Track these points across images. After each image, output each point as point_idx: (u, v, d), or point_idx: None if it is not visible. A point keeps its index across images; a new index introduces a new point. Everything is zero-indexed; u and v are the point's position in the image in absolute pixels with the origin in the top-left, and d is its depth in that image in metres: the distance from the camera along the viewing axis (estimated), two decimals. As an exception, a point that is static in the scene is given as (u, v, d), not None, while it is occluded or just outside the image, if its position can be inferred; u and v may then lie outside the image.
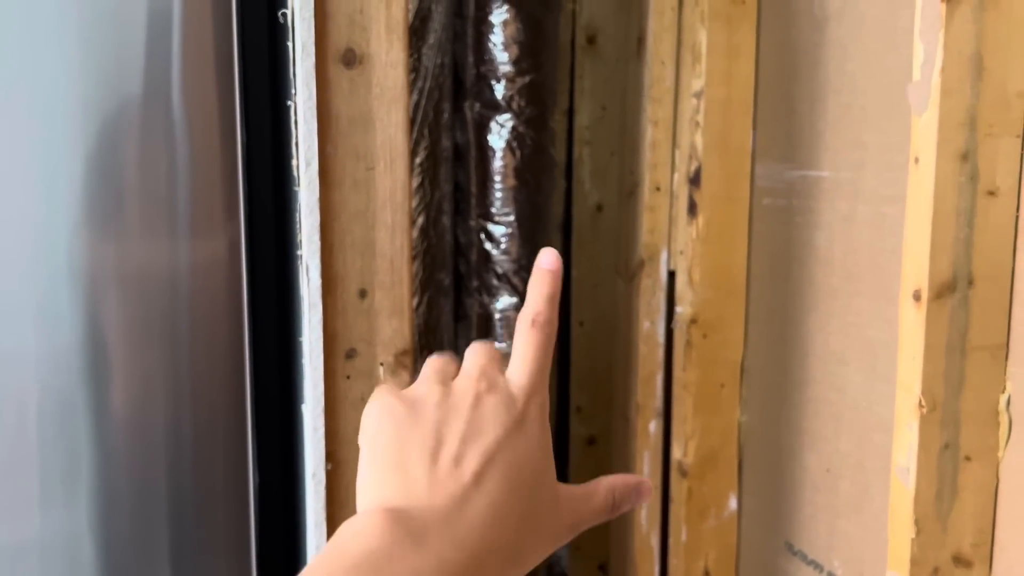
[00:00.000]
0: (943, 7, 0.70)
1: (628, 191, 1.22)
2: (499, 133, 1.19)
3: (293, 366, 0.92)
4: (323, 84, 0.83)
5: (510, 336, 0.68)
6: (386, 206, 0.87)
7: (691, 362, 1.13)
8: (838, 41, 0.96)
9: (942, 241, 0.73)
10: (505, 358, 0.45)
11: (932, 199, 0.72)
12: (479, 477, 0.40)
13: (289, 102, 0.83)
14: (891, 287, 0.88)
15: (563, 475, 0.49)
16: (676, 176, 1.15)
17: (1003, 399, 0.75)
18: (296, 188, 0.84)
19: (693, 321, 1.13)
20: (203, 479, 0.91)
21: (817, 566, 1.02)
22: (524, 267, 1.20)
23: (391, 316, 0.88)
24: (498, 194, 1.21)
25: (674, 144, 1.16)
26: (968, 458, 0.76)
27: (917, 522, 0.75)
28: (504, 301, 1.22)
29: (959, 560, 0.77)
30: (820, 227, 1.00)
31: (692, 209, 1.11)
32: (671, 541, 1.19)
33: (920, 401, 0.74)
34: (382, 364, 0.88)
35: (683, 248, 1.13)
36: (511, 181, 1.20)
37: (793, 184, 1.04)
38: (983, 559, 0.78)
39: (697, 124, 1.09)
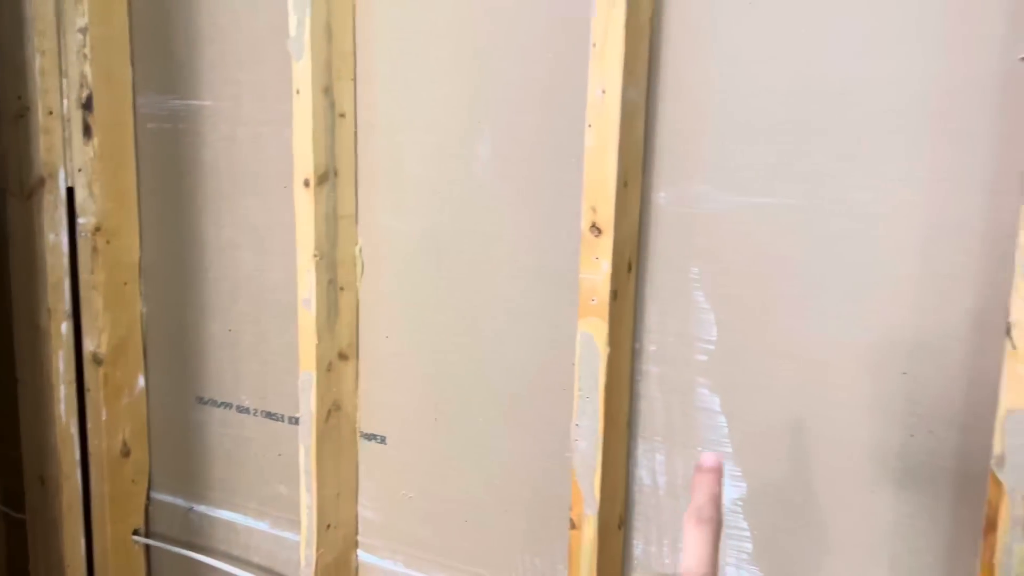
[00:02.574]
0: (310, -10, 1.06)
1: (16, 115, 1.29)
2: None
3: None
4: None
5: None
6: None
7: (98, 266, 1.31)
8: (210, 0, 1.25)
9: (318, 147, 1.11)
10: None
11: (311, 119, 1.09)
12: None
13: None
14: (270, 185, 1.24)
15: None
16: (67, 102, 1.29)
17: (356, 249, 1.18)
18: None
19: (97, 230, 1.30)
20: None
21: (226, 405, 1.34)
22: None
23: None
24: None
25: (61, 73, 1.28)
26: (342, 288, 1.17)
27: (318, 333, 1.14)
28: None
29: (342, 355, 1.19)
30: (207, 145, 1.29)
31: (87, 131, 1.27)
32: (90, 425, 1.35)
33: (314, 252, 1.12)
34: None
35: (81, 166, 1.29)
36: None
37: (177, 111, 1.30)
38: (354, 354, 1.21)
39: (85, 56, 1.25)
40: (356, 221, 1.18)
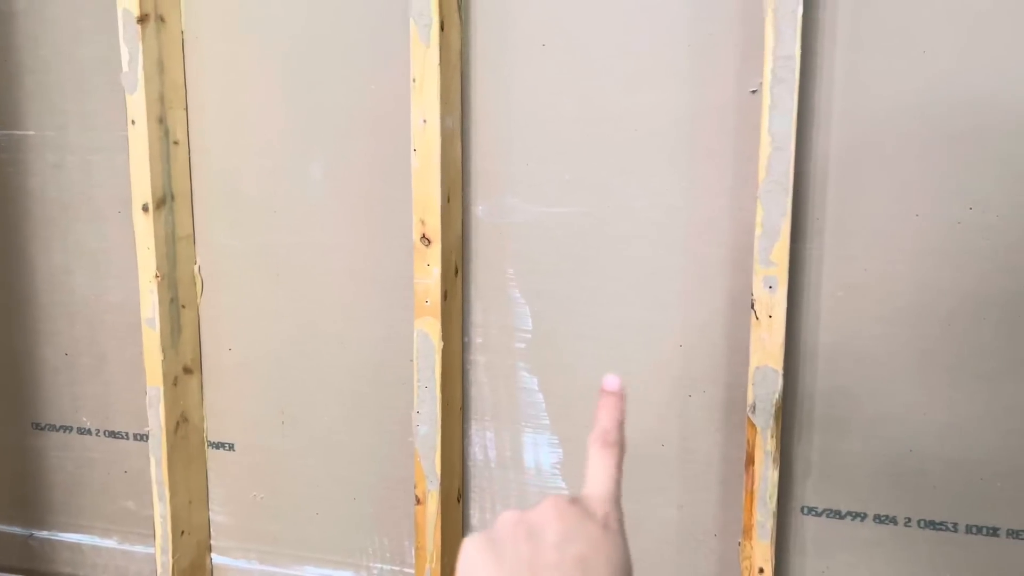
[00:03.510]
0: (139, 27, 1.13)
1: None
2: None
3: None
4: None
5: None
6: None
7: (-83, 298, 1.29)
8: (30, 33, 1.27)
9: (155, 173, 1.17)
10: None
11: (147, 147, 1.15)
12: None
13: None
14: (104, 211, 1.28)
15: None
16: None
17: (195, 268, 1.25)
18: None
19: (-86, 262, 1.28)
20: None
21: (66, 428, 1.36)
22: None
23: None
24: None
25: None
26: (184, 306, 1.24)
27: (163, 350, 1.20)
28: None
29: (187, 369, 1.25)
30: (32, 174, 1.30)
31: (-101, 163, 1.25)
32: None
33: (156, 273, 1.18)
34: None
35: None
36: None
37: (-3, 141, 1.31)
38: (198, 368, 1.28)
39: None
40: (194, 241, 1.25)
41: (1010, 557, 1.01)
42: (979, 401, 1.00)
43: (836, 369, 1.03)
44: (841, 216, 1.01)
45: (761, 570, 1.02)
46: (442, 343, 1.09)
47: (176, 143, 1.21)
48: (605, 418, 0.49)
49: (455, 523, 1.18)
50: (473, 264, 1.14)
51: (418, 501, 1.13)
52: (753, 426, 1.00)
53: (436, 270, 1.07)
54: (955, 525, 1.03)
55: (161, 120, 1.18)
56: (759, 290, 0.97)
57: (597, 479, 0.46)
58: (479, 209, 1.13)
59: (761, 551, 1.01)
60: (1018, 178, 0.95)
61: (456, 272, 1.12)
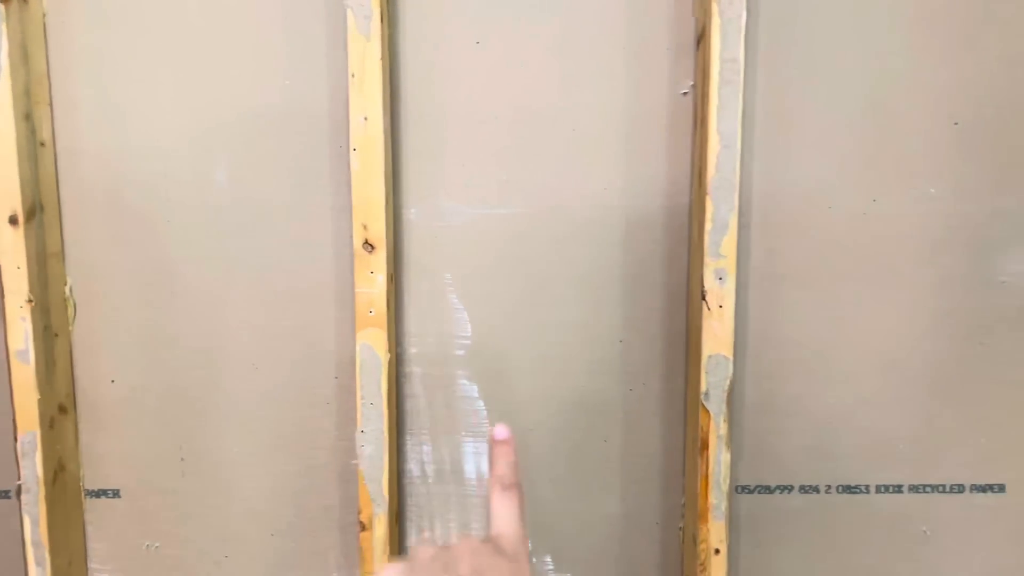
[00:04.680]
0: (2, 7, 0.95)
1: None
2: None
3: None
4: None
5: None
6: None
7: None
8: None
9: (25, 177, 0.99)
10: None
11: (15, 148, 0.98)
12: None
13: None
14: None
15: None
16: None
17: (67, 288, 1.08)
18: None
19: None
20: None
21: None
22: None
23: None
24: None
25: None
26: (56, 334, 1.06)
27: (39, 387, 1.02)
28: None
29: (61, 409, 1.07)
30: None
31: None
32: None
33: (28, 297, 1.00)
34: None
35: None
36: None
37: None
38: (72, 406, 1.09)
39: None
40: (63, 259, 1.07)
41: (912, 510, 1.14)
42: (884, 376, 1.11)
43: (762, 354, 1.11)
44: (765, 210, 1.08)
45: (717, 551, 1.06)
46: (389, 356, 1.03)
47: (42, 144, 1.03)
48: (500, 465, 0.54)
49: (394, 547, 1.11)
50: (407, 270, 1.09)
51: (363, 527, 1.05)
52: (707, 412, 1.04)
53: (381, 278, 1.01)
54: (867, 487, 1.14)
55: (28, 117, 1.00)
56: (710, 281, 1.02)
57: (502, 520, 0.52)
58: (412, 212, 1.08)
59: (717, 532, 1.06)
60: (914, 173, 1.07)
61: (391, 279, 1.06)
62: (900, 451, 1.13)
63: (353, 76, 0.97)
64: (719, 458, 1.05)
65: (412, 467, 1.13)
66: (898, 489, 1.14)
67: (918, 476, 1.13)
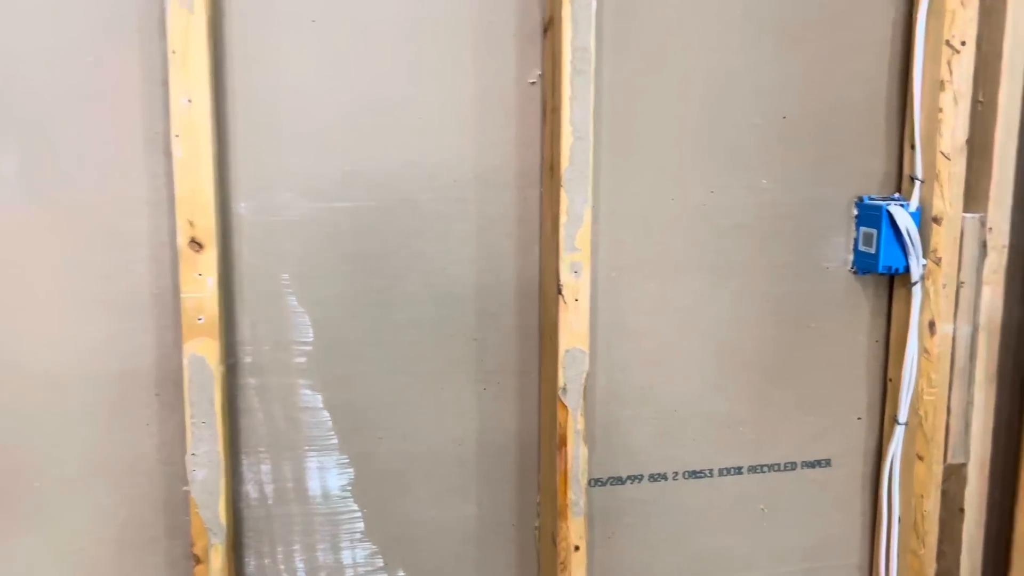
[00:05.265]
0: None
1: None
2: None
3: None
4: None
5: None
6: None
7: None
8: None
9: None
10: None
11: None
12: None
13: None
14: None
15: None
16: None
17: None
18: None
19: None
20: None
21: None
22: None
23: None
24: None
25: None
26: None
27: None
28: None
29: None
30: None
31: None
32: None
33: None
34: None
35: None
36: None
37: None
38: None
39: None
40: None
41: (751, 489, 1.18)
42: (725, 362, 1.14)
43: (612, 346, 1.10)
44: (612, 203, 1.07)
45: (577, 547, 1.05)
46: (222, 367, 0.92)
47: None
48: None
49: (232, 577, 1.00)
50: (237, 272, 0.98)
51: (197, 560, 0.94)
52: (564, 407, 1.02)
53: (211, 280, 0.90)
54: (710, 471, 1.17)
55: None
56: (566, 275, 0.99)
57: None
58: (242, 207, 0.97)
59: (576, 529, 1.04)
60: (748, 166, 1.11)
61: (221, 282, 0.95)
62: (740, 434, 1.17)
63: (174, 53, 0.86)
64: (577, 453, 1.03)
65: (250, 489, 1.02)
66: (738, 471, 1.18)
67: (756, 457, 1.18)
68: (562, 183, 0.97)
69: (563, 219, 0.98)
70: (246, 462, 1.01)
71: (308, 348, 1.01)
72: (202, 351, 0.90)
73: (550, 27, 0.99)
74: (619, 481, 1.14)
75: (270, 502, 1.03)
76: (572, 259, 0.99)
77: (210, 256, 0.89)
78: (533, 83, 1.03)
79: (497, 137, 1.03)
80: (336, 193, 0.99)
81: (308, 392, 1.02)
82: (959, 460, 1.16)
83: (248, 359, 1.00)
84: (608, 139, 1.06)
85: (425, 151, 1.01)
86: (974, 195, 1.12)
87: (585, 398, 1.03)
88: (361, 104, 0.99)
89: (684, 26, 1.06)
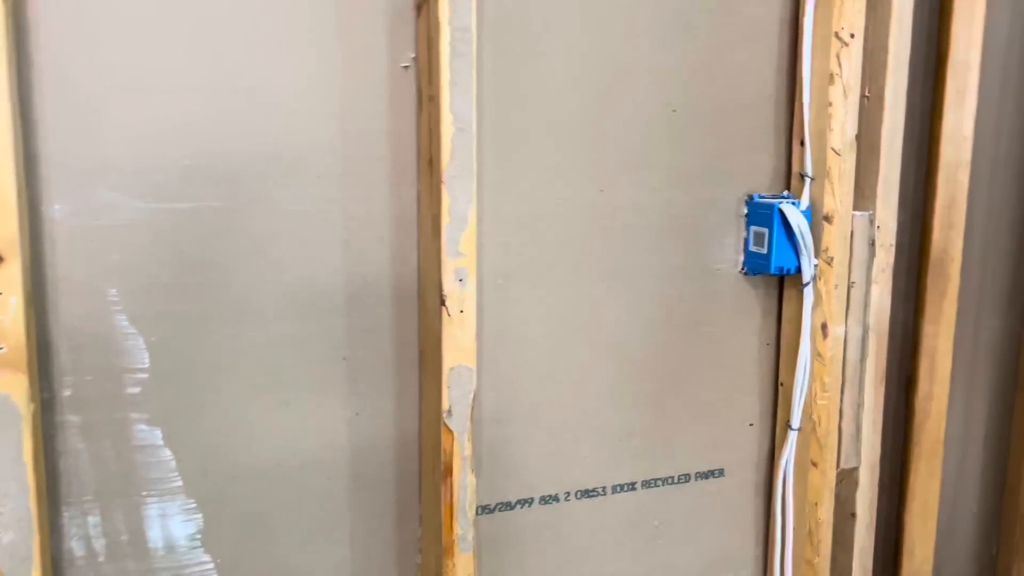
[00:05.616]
0: None
1: None
2: None
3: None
4: None
5: None
6: None
7: None
8: None
9: None
10: None
11: None
12: None
13: None
14: None
15: None
16: None
17: None
18: None
19: None
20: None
21: None
22: None
23: None
24: None
25: None
26: None
27: None
28: None
29: None
30: None
31: None
32: None
33: None
34: None
35: None
36: None
37: None
38: None
39: None
40: None
41: (645, 505, 1.11)
42: (618, 370, 1.06)
43: (499, 359, 1.00)
44: (496, 203, 0.97)
45: (465, 587, 0.94)
46: (33, 406, 0.75)
47: None
48: None
49: (53, 656, 0.83)
50: (51, 288, 0.81)
51: (5, 644, 0.76)
52: (449, 432, 0.91)
53: (14, 300, 0.73)
54: (604, 489, 1.09)
55: None
56: (450, 284, 0.88)
57: None
58: (56, 209, 0.80)
59: (464, 566, 0.93)
60: (637, 163, 1.03)
61: (29, 302, 0.78)
62: (634, 447, 1.09)
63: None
64: (464, 483, 0.92)
65: (74, 546, 0.85)
66: (632, 487, 1.10)
67: (650, 471, 1.11)
68: (443, 180, 0.86)
69: (445, 220, 0.87)
70: (67, 515, 0.84)
71: (143, 376, 0.85)
72: (6, 388, 0.73)
73: (424, 4, 0.87)
74: (508, 507, 1.04)
75: (100, 559, 0.86)
76: (456, 265, 0.88)
77: (13, 270, 0.72)
78: (407, 67, 0.91)
79: (366, 126, 0.90)
80: (174, 191, 0.84)
81: (144, 427, 0.86)
82: (851, 464, 1.14)
83: (67, 392, 0.82)
84: (490, 131, 0.95)
85: (283, 142, 0.87)
86: (862, 192, 1.09)
87: (472, 420, 0.92)
88: (206, 87, 0.84)
89: (569, 5, 0.97)
